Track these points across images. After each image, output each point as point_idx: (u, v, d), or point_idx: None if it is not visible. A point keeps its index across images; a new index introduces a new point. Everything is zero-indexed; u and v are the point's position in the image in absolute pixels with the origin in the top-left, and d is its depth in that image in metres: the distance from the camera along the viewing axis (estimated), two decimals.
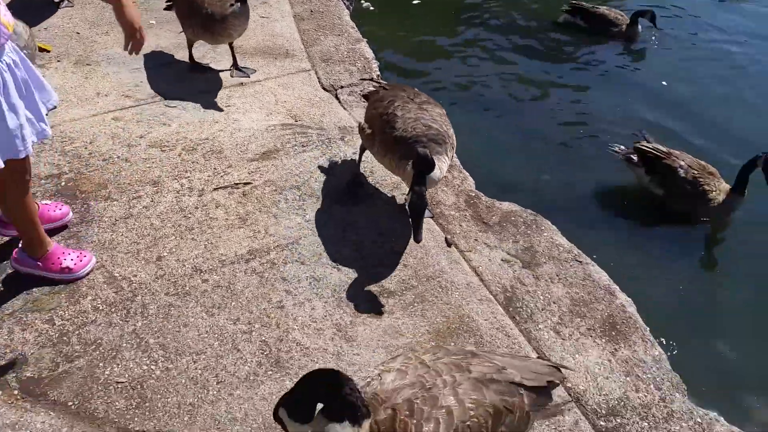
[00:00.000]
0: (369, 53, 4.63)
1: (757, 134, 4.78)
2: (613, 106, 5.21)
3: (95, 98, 3.85)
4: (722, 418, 2.55)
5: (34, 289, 2.64)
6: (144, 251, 2.87)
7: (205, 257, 2.89)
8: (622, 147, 4.36)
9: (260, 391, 2.36)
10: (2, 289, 2.65)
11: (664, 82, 5.54)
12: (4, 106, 2.19)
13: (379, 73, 4.50)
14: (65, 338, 2.47)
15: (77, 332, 2.50)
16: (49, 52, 4.20)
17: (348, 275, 2.89)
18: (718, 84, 5.55)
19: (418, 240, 2.73)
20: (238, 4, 3.71)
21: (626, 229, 4.11)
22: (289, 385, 2.40)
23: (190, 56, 4.18)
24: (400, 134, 2.95)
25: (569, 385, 2.54)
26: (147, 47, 4.28)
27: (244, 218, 3.12)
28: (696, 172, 4.05)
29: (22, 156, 2.31)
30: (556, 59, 5.89)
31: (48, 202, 2.98)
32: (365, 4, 6.77)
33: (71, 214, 2.97)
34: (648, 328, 2.85)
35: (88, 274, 2.71)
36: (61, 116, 3.65)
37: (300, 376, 2.40)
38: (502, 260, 3.09)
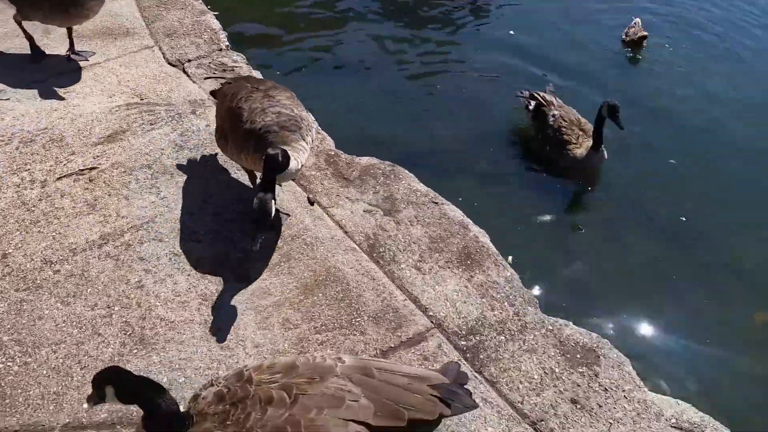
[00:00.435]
0: (216, 24, 4.53)
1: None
2: (465, 59, 5.44)
3: None
4: (571, 322, 2.83)
5: None
6: None
7: (54, 248, 2.77)
8: (526, 92, 4.52)
9: (128, 368, 2.34)
10: None
11: (511, 32, 5.86)
12: None
13: (228, 44, 4.42)
14: None
15: None
16: None
17: (211, 246, 2.89)
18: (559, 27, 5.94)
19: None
20: None
21: (489, 175, 4.24)
22: (156, 360, 2.40)
23: (31, 42, 3.90)
24: (248, 127, 2.73)
25: (430, 313, 2.72)
26: None
27: (92, 204, 3.01)
28: (564, 122, 4.23)
29: None
30: (415, 19, 6.00)
31: None
32: None
33: None
34: (499, 254, 3.09)
35: None
36: None
37: (168, 350, 2.42)
38: (364, 211, 3.21)
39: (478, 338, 2.66)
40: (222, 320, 2.57)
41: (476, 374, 2.52)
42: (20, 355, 2.35)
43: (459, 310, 2.76)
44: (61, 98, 3.66)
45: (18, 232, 2.82)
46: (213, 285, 2.72)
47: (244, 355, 2.45)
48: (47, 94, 3.68)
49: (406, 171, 3.53)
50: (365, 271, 2.88)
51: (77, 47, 3.97)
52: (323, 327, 2.61)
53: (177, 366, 2.38)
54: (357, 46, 5.58)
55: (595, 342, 2.71)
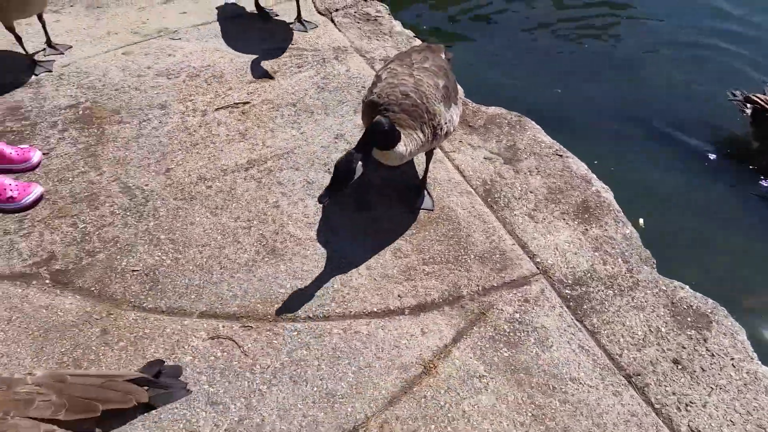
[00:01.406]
0: None
1: None
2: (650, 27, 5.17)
3: (107, 37, 4.13)
4: (687, 286, 2.73)
5: (58, 200, 2.99)
6: (154, 165, 3.19)
7: (209, 168, 3.18)
8: (738, 93, 4.11)
9: (258, 274, 2.68)
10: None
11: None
12: None
13: None
14: (87, 238, 2.82)
15: (97, 233, 2.85)
16: None
17: None
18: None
19: (321, 201, 2.39)
20: None
21: (644, 150, 4.00)
22: (283, 269, 2.71)
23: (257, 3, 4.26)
24: (374, 99, 2.65)
25: (538, 260, 2.77)
26: None
27: (243, 133, 3.39)
28: None
29: None
30: None
31: (21, 147, 3.18)
32: None
33: (36, 158, 3.15)
34: (621, 211, 3.02)
35: (33, 203, 2.94)
36: (76, 54, 3.96)
37: (294, 261, 2.71)
38: (484, 158, 3.29)
39: (583, 289, 2.67)
40: (341, 242, 2.82)
41: (576, 322, 2.54)
42: (173, 251, 2.77)
43: (568, 260, 2.77)
44: (222, 40, 4.09)
45: (180, 152, 3.27)
46: (337, 211, 2.97)
47: (356, 275, 2.69)
48: (211, 36, 4.13)
49: (533, 122, 3.53)
50: (477, 213, 2.97)
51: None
52: (431, 259, 2.76)
53: (299, 276, 2.67)
54: (513, 3, 5.51)
55: (710, 307, 2.60)
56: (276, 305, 2.56)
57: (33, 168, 3.16)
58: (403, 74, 2.73)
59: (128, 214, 2.93)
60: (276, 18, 4.29)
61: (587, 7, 5.48)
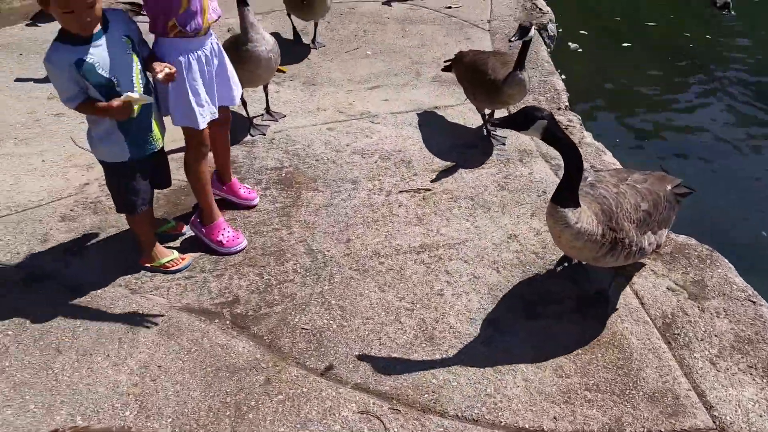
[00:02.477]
0: (560, 85, 4.85)
1: None
2: None
3: (316, 111, 4.62)
4: None
5: (251, 249, 3.31)
6: (337, 233, 3.43)
7: (384, 245, 3.35)
8: None
9: (413, 358, 2.72)
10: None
11: None
12: (187, 85, 2.84)
13: (567, 104, 4.69)
14: (269, 289, 3.08)
15: (278, 286, 3.09)
16: (284, 72, 5.11)
17: (506, 279, 3.14)
18: None
19: (493, 124, 2.58)
20: (519, 71, 3.72)
21: None
22: (438, 358, 2.73)
23: (485, 118, 4.26)
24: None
25: (715, 413, 2.49)
26: (358, 74, 5.03)
27: (420, 218, 3.54)
28: None
29: (199, 128, 2.92)
30: None
31: (248, 187, 3.66)
32: (573, 46, 7.00)
33: (257, 201, 3.61)
34: None
35: (237, 252, 3.24)
36: (288, 123, 4.46)
37: (449, 353, 2.72)
38: (667, 288, 3.09)
39: None
40: (502, 346, 2.78)
41: None
42: (340, 318, 2.92)
43: (751, 421, 2.47)
44: (415, 128, 4.37)
45: (361, 225, 3.49)
46: (500, 313, 2.95)
47: (512, 384, 2.61)
48: (407, 124, 4.43)
49: (725, 260, 3.28)
50: (653, 347, 2.78)
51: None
52: (594, 386, 2.61)
53: (453, 371, 2.67)
54: (711, 130, 5.31)
55: None
56: (426, 395, 2.57)
57: (252, 207, 3.60)
58: (609, 182, 2.76)
59: (308, 274, 3.16)
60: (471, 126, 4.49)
61: None
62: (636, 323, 2.90)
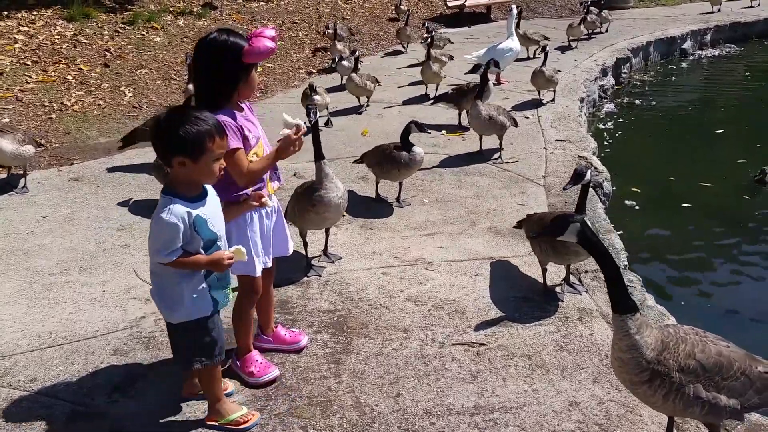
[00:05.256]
0: (618, 243, 4.80)
1: None
2: None
3: (371, 255, 4.67)
4: None
5: (297, 398, 3.19)
6: (387, 386, 3.29)
7: (435, 403, 3.18)
8: None
9: None
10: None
11: None
12: (249, 237, 3.08)
13: (626, 264, 4.60)
14: None
15: None
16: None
17: None
18: None
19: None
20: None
21: None
22: None
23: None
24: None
25: None
26: (414, 221, 5.13)
27: (474, 375, 3.38)
28: None
29: (255, 275, 3.13)
30: None
31: (293, 330, 3.63)
32: (629, 203, 7.05)
33: (304, 342, 3.57)
34: None
35: (267, 383, 3.25)
36: (344, 266, 4.50)
37: None
38: None
39: None
40: None
41: None
42: None
43: None
44: (471, 278, 4.33)
45: (412, 379, 3.35)
46: None
47: None
48: (461, 272, 4.41)
49: None
50: None
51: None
52: None
53: None
54: None
55: None
56: None
57: (301, 350, 3.55)
58: (690, 332, 2.65)
59: (354, 431, 3.00)
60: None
61: None
62: None
